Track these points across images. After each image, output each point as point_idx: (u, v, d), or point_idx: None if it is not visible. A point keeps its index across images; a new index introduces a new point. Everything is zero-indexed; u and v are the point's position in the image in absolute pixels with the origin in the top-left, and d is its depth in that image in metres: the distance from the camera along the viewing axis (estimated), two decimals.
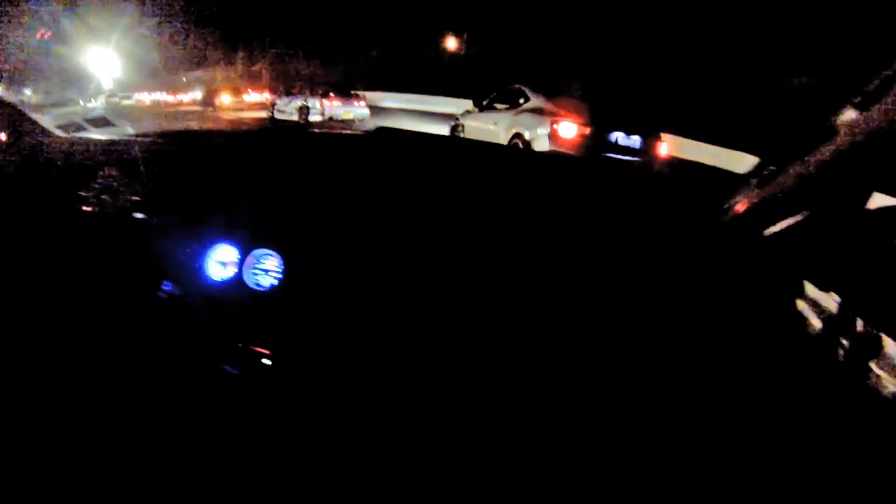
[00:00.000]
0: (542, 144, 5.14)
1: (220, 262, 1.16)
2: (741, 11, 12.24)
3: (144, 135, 1.88)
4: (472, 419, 0.93)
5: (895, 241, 1.00)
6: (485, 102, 6.88)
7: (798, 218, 0.96)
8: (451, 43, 20.39)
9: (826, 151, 0.85)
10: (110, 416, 1.03)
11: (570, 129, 5.03)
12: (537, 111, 5.64)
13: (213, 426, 0.99)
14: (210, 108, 16.11)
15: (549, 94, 5.97)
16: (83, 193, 1.38)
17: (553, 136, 5.10)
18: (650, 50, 13.50)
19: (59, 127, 2.00)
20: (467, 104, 7.31)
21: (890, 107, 0.74)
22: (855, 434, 0.81)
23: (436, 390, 0.96)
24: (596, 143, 4.98)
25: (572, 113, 5.13)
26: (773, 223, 1.00)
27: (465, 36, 19.89)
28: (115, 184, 1.38)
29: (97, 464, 0.97)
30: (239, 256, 1.14)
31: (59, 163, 1.64)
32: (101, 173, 1.39)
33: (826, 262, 1.05)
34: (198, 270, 1.16)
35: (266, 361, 1.03)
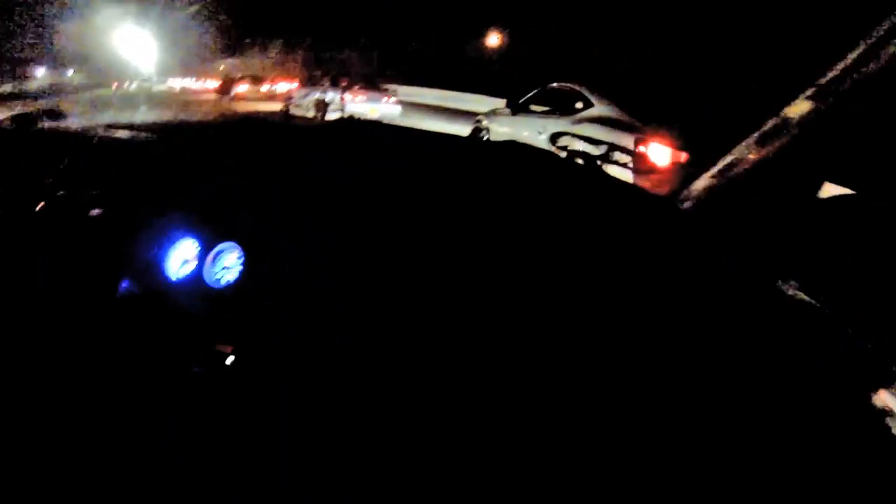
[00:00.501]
0: (617, 169, 3.61)
1: (181, 258, 1.12)
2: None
3: (103, 127, 1.77)
4: (439, 416, 0.86)
5: (845, 227, 1.04)
6: (520, 102, 5.41)
7: (753, 205, 1.07)
8: (494, 39, 19.13)
9: (778, 142, 0.98)
10: (63, 417, 0.97)
11: (663, 155, 3.48)
12: (607, 122, 4.16)
13: (173, 425, 0.93)
14: (227, 98, 15.39)
15: (616, 100, 4.51)
16: (36, 189, 1.32)
17: (639, 160, 3.51)
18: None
19: (13, 119, 1.92)
20: (500, 103, 5.91)
21: (841, 100, 0.87)
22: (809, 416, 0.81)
23: (402, 388, 0.90)
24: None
25: (663, 130, 3.56)
26: (730, 209, 1.10)
27: (507, 31, 18.56)
28: (71, 178, 1.33)
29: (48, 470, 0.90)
30: (200, 251, 1.10)
31: (9, 156, 1.55)
32: (56, 167, 1.34)
33: (780, 247, 1.06)
34: (158, 267, 1.12)
35: (229, 359, 0.97)
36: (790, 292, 1.01)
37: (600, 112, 4.33)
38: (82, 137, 1.66)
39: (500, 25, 18.84)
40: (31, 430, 0.96)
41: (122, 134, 1.65)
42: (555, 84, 5.18)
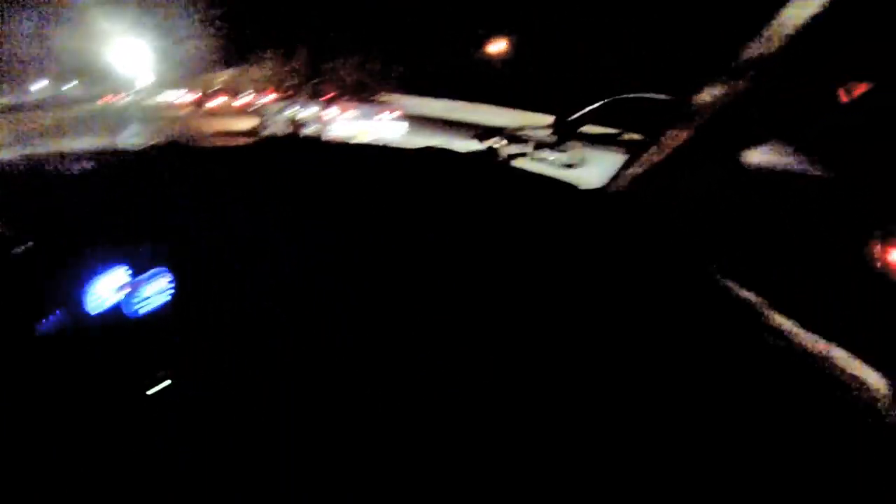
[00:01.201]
0: None
1: (109, 286, 1.10)
2: None
3: (35, 158, 1.84)
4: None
5: (767, 195, 1.03)
6: (570, 119, 3.39)
7: (674, 190, 1.09)
8: (503, 42, 17.35)
9: (691, 127, 0.99)
10: None
11: None
12: None
13: (104, 454, 0.88)
14: (201, 111, 14.46)
15: None
16: None
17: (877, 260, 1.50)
18: None
19: None
20: (525, 118, 3.91)
21: (748, 83, 0.89)
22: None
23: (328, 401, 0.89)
24: None
25: None
26: (655, 188, 1.12)
27: (515, 38, 16.73)
28: None
29: None
30: (130, 278, 1.10)
31: None
32: None
33: (704, 223, 1.10)
34: (83, 299, 1.09)
35: (166, 382, 0.95)
36: (719, 278, 1.01)
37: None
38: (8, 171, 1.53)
39: (513, 26, 17.06)
40: None
41: (57, 165, 1.54)
42: (644, 95, 3.18)
